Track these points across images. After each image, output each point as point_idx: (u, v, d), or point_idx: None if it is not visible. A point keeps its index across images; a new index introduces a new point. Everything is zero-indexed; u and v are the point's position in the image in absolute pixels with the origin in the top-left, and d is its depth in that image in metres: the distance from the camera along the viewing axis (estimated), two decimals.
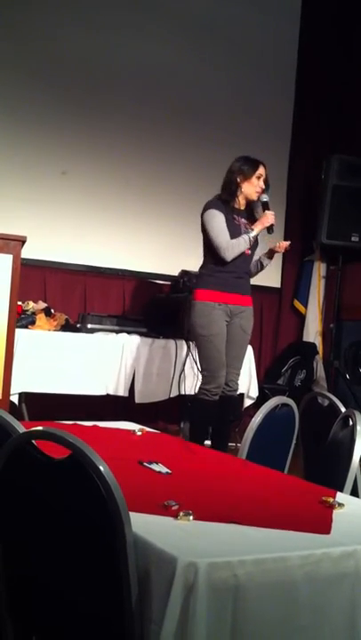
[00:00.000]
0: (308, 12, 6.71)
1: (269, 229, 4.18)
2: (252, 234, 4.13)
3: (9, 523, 1.72)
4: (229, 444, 5.24)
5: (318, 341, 6.68)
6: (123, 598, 1.47)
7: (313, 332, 6.73)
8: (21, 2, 5.52)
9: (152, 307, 5.71)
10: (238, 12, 6.34)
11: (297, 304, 6.84)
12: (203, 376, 4.24)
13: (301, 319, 6.85)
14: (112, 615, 1.50)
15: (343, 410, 2.74)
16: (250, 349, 5.55)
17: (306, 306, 6.79)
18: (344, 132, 6.74)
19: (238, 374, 4.32)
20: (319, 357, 6.57)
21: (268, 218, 4.15)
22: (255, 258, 4.31)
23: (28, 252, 3.88)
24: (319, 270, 6.78)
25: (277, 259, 6.73)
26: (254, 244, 4.25)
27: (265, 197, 4.20)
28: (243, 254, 4.18)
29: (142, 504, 1.73)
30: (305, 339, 6.75)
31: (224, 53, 6.29)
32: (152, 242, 5.92)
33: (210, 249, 4.17)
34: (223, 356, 4.16)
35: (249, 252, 4.22)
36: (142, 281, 5.98)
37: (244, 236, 4.12)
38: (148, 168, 5.96)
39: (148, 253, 5.92)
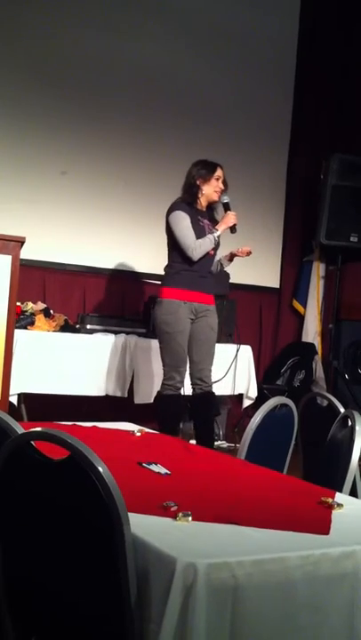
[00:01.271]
0: (307, 11, 6.71)
1: (232, 229, 4.31)
2: (217, 233, 4.28)
3: (8, 523, 1.72)
4: (229, 444, 5.25)
5: (317, 341, 6.68)
6: (122, 599, 1.47)
7: (312, 332, 6.73)
8: (21, 2, 5.52)
9: (151, 307, 5.71)
10: (238, 12, 6.34)
11: (296, 304, 6.84)
12: (165, 371, 4.39)
13: (300, 319, 6.85)
14: (111, 615, 1.50)
15: (342, 410, 2.75)
16: (249, 349, 5.57)
17: (305, 306, 6.79)
18: (344, 131, 6.74)
19: (211, 370, 4.45)
20: (318, 357, 6.57)
21: (230, 218, 4.29)
22: (216, 258, 4.44)
23: (27, 253, 3.88)
24: (318, 270, 6.78)
25: (276, 259, 6.77)
26: (217, 245, 4.36)
27: (225, 198, 4.35)
28: (207, 254, 4.30)
29: (141, 505, 1.73)
30: (304, 339, 6.75)
31: (223, 53, 6.29)
32: (151, 242, 5.89)
33: (175, 249, 4.31)
34: (185, 353, 4.34)
35: (212, 252, 4.35)
36: (141, 281, 5.98)
37: (210, 236, 4.26)
38: (147, 168, 5.96)
39: (147, 254, 5.92)
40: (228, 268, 4.66)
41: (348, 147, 6.43)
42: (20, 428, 1.79)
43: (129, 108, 5.92)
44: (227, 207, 4.33)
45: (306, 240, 6.74)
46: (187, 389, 4.58)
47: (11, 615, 1.74)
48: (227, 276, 5.51)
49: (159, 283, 5.80)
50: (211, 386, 4.43)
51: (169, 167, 6.05)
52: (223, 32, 6.26)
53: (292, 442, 2.87)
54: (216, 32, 6.23)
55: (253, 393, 5.57)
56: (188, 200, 4.32)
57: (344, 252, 6.41)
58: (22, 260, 3.70)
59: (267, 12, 6.46)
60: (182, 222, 4.24)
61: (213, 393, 4.49)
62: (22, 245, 3.65)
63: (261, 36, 6.45)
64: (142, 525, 1.57)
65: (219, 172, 4.32)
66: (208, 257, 4.32)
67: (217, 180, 4.32)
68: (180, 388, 4.37)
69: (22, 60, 5.52)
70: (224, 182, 4.35)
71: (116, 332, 5.16)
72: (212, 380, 4.45)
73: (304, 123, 6.78)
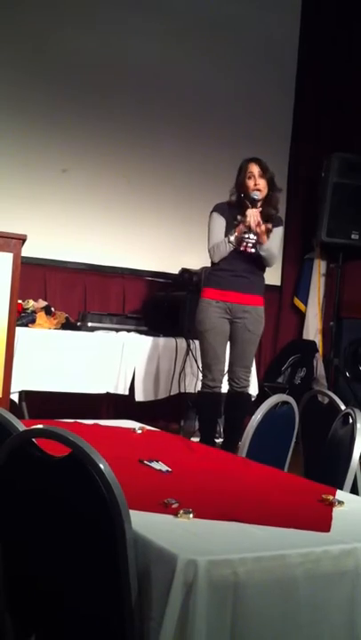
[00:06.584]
0: (308, 11, 6.70)
1: (248, 228, 4.22)
2: (231, 237, 4.23)
3: (9, 521, 1.72)
4: None
5: (318, 339, 6.68)
6: (123, 596, 1.47)
7: (313, 330, 6.73)
8: (22, 0, 5.51)
9: (152, 305, 5.71)
10: (238, 11, 6.33)
11: (297, 302, 6.84)
12: (201, 369, 4.47)
13: (301, 317, 6.84)
14: (112, 613, 1.50)
15: (343, 408, 2.75)
16: None
17: (306, 304, 6.79)
18: (345, 129, 6.73)
19: (247, 372, 4.42)
20: (319, 355, 6.56)
21: (247, 216, 4.19)
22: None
23: (28, 251, 3.88)
24: (319, 268, 6.77)
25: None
26: (256, 243, 4.26)
27: (254, 195, 4.23)
28: (243, 253, 4.25)
29: (142, 502, 1.73)
30: (305, 337, 6.74)
31: (225, 52, 6.28)
32: (152, 240, 5.91)
33: None
34: (217, 351, 4.33)
35: (251, 250, 4.28)
36: (142, 279, 5.98)
37: (225, 239, 4.25)
38: (148, 166, 5.96)
39: (149, 252, 5.92)
40: None
41: (348, 145, 6.42)
42: (21, 426, 1.80)
43: (130, 106, 5.91)
44: (252, 203, 4.22)
45: (307, 238, 6.73)
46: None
47: (11, 613, 1.74)
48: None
49: (161, 280, 5.79)
50: (243, 387, 4.39)
51: (170, 165, 6.06)
52: (224, 31, 6.25)
53: (293, 440, 2.88)
54: (217, 31, 6.21)
55: (254, 391, 5.57)
56: (233, 200, 4.29)
57: (345, 249, 6.41)
58: (23, 257, 3.71)
59: (268, 11, 6.45)
60: (211, 223, 4.32)
61: (244, 393, 4.44)
62: (23, 243, 3.65)
63: (262, 35, 6.43)
64: (143, 523, 1.57)
65: (250, 168, 4.22)
66: (245, 255, 4.26)
67: (249, 177, 4.22)
68: (213, 387, 4.36)
69: (23, 59, 5.51)
70: (262, 176, 4.22)
71: (117, 330, 5.16)
72: (249, 381, 4.42)
73: (305, 121, 6.77)
